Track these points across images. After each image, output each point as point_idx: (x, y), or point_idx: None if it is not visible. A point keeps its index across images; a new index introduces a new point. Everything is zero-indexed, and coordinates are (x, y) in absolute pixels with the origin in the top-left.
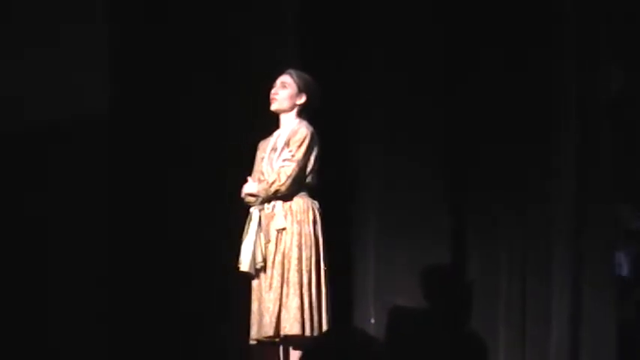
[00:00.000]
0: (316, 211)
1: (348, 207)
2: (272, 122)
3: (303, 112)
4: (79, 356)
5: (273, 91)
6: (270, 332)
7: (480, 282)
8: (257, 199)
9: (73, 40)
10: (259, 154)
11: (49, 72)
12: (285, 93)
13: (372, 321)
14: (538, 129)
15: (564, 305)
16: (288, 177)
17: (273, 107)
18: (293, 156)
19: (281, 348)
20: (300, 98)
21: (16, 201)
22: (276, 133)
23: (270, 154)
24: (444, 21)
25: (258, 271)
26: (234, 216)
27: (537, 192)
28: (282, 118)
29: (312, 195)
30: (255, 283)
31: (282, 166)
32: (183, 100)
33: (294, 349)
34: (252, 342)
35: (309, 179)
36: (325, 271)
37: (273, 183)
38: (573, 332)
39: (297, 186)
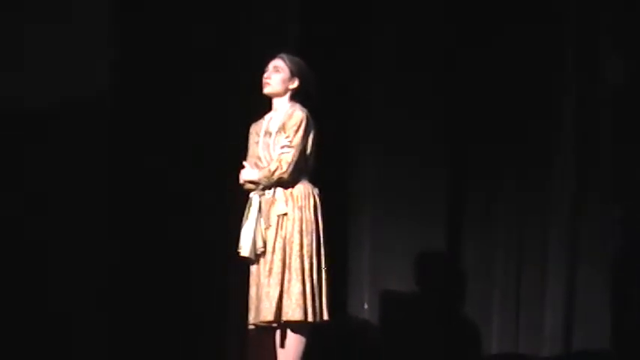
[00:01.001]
0: (316, 197)
1: (344, 194)
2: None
3: (296, 96)
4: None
5: (265, 75)
6: (270, 317)
7: (475, 270)
8: (258, 187)
9: (73, 32)
10: (252, 139)
11: (48, 56)
12: (278, 77)
13: (366, 306)
14: (538, 123)
15: (559, 294)
16: (290, 163)
17: (266, 91)
18: (291, 142)
19: (278, 332)
20: (293, 82)
21: (13, 187)
22: (267, 116)
23: (264, 138)
24: (443, 20)
25: (258, 256)
26: (234, 204)
27: (534, 181)
28: (275, 101)
29: (312, 180)
30: (253, 268)
31: (282, 153)
32: (183, 92)
33: (293, 332)
34: (250, 327)
35: (308, 163)
36: (325, 257)
37: (275, 171)
38: (567, 321)
39: (298, 171)
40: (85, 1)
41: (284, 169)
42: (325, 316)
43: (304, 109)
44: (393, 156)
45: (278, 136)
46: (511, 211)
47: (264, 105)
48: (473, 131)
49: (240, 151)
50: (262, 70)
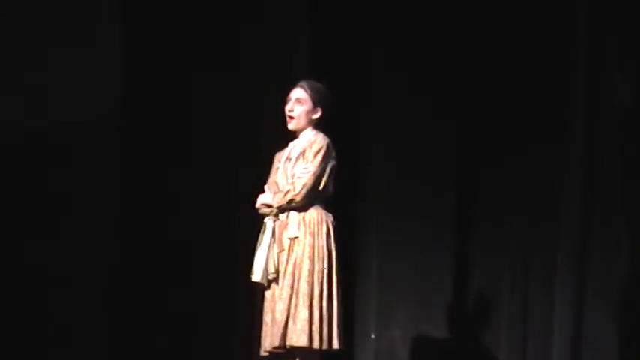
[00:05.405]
0: (330, 225)
1: (351, 219)
2: (283, 123)
3: (319, 124)
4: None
5: (288, 107)
6: (276, 342)
7: (482, 296)
8: (272, 210)
9: (84, 41)
10: (275, 165)
11: (60, 73)
12: (301, 110)
13: (373, 336)
14: (546, 146)
15: (566, 320)
16: (303, 186)
17: (291, 127)
18: (308, 167)
19: None
20: (316, 113)
21: (26, 201)
22: (291, 144)
23: (284, 164)
24: (455, 28)
25: (270, 282)
26: (245, 219)
27: (542, 207)
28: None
29: (327, 208)
30: (268, 293)
31: (298, 177)
32: (194, 102)
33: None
34: (263, 354)
35: (324, 191)
36: (338, 284)
37: (287, 192)
38: (575, 347)
39: (311, 197)
40: (95, 15)
41: (296, 190)
42: (335, 345)
43: (327, 138)
44: (402, 181)
45: (297, 162)
46: (518, 237)
47: (275, 107)
48: (481, 156)
49: (251, 156)
50: (274, 71)
